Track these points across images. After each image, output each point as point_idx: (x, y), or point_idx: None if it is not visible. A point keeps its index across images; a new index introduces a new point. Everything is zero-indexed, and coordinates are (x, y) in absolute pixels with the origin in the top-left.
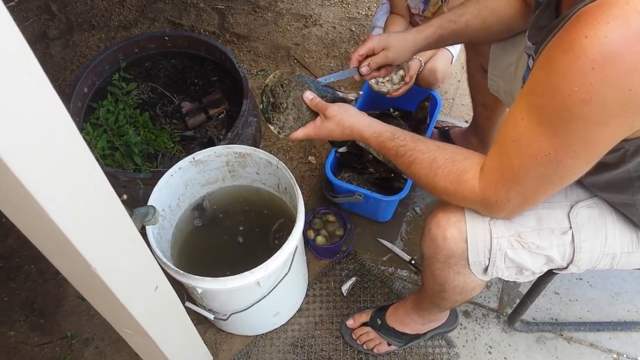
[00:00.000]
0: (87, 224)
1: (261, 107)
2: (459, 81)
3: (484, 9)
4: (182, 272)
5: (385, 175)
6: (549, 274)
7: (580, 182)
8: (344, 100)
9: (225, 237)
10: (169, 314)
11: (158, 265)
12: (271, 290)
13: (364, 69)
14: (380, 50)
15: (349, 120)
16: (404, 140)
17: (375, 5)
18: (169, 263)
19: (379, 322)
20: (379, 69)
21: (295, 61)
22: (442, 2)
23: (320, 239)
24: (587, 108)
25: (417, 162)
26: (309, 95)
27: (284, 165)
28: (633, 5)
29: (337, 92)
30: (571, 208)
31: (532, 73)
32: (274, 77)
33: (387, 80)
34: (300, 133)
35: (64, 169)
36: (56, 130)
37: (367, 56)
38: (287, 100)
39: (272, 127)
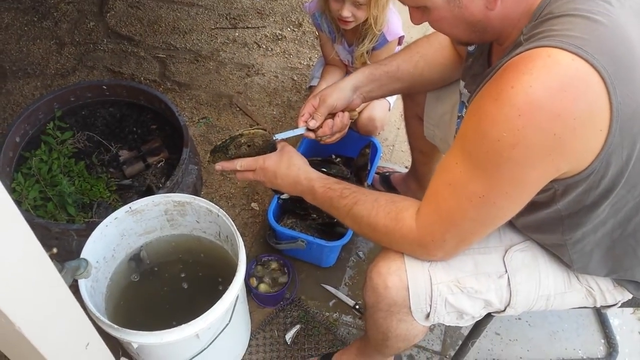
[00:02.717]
0: (10, 281)
1: (219, 143)
2: (398, 129)
3: (415, 54)
4: (115, 326)
5: (328, 220)
6: (488, 317)
7: (513, 225)
8: None
9: (165, 288)
10: None
11: (89, 321)
12: (211, 342)
13: (311, 123)
14: (318, 103)
15: (299, 160)
16: (349, 185)
17: (315, 56)
18: (102, 317)
19: None
20: (333, 134)
21: (238, 109)
22: (367, 54)
23: (263, 287)
24: (516, 151)
25: (360, 202)
26: None
27: (225, 213)
28: (554, 57)
29: None
30: (506, 252)
31: (464, 120)
32: (253, 133)
33: None
34: (244, 162)
35: None
36: None
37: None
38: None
39: (209, 155)
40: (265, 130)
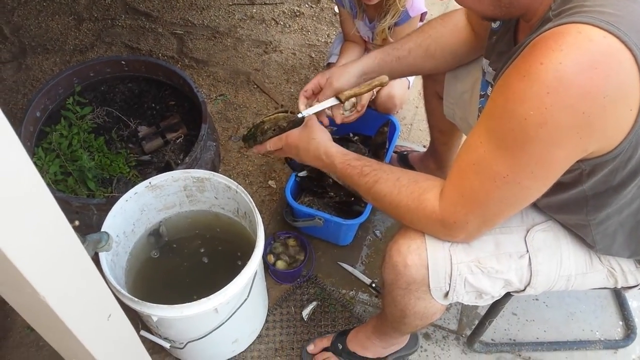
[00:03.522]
0: (35, 251)
1: (246, 132)
2: (416, 107)
3: (427, 37)
4: (136, 299)
5: (346, 199)
6: (506, 296)
7: (535, 205)
8: None
9: (185, 263)
10: (122, 343)
11: (111, 293)
12: (230, 316)
13: (304, 110)
14: (325, 84)
15: (319, 135)
16: (369, 161)
17: (334, 33)
18: (122, 291)
19: (340, 346)
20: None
21: (255, 86)
22: (388, 30)
23: (280, 264)
24: (543, 130)
25: (381, 180)
26: None
27: (244, 189)
28: (585, 33)
29: None
30: (527, 232)
31: (490, 98)
32: (274, 117)
33: None
34: (271, 142)
35: (10, 196)
36: (3, 154)
37: (314, 93)
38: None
39: (244, 143)
40: (287, 111)
